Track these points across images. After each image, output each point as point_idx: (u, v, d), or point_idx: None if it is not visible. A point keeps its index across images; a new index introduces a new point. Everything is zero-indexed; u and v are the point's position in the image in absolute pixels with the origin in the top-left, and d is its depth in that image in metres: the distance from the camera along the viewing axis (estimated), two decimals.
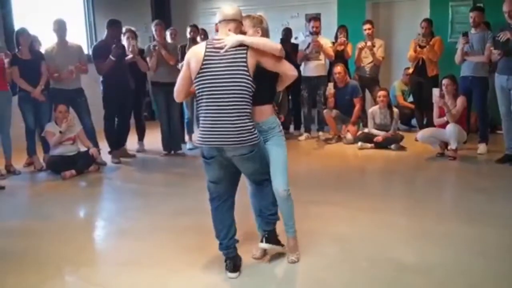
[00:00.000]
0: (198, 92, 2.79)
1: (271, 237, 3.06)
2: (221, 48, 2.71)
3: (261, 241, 3.05)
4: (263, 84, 2.80)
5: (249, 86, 2.71)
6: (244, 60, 2.69)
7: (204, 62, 2.73)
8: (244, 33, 2.84)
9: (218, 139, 2.72)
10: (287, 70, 2.87)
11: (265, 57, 2.74)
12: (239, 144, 2.69)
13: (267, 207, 3.01)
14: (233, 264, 2.92)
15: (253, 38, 2.77)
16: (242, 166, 2.85)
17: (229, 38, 2.73)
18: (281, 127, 2.99)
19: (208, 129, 2.75)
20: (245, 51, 2.70)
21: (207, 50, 2.75)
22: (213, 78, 2.70)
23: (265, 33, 2.91)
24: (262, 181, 2.97)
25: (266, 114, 2.89)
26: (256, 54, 2.71)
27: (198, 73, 2.75)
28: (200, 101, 2.80)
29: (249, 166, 2.85)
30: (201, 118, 2.84)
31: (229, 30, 2.80)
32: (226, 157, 2.78)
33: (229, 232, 2.93)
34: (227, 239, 2.92)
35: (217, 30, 2.91)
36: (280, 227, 3.11)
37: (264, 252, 3.15)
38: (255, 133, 2.76)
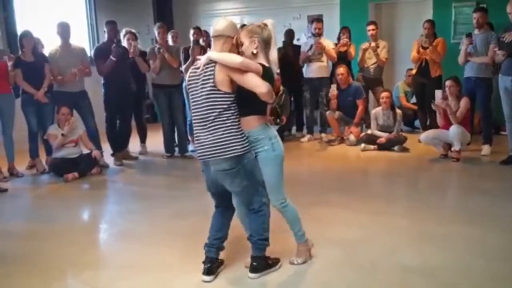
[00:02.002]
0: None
1: (260, 265, 2.92)
2: (198, 67, 2.82)
3: (250, 271, 2.91)
4: (245, 96, 2.76)
5: (220, 100, 2.74)
6: (212, 75, 2.74)
7: (188, 83, 2.89)
8: (241, 44, 2.84)
9: (201, 153, 2.82)
10: (254, 86, 2.71)
11: (232, 72, 2.73)
12: (218, 156, 2.73)
13: (257, 231, 2.91)
14: (208, 266, 2.92)
15: (218, 54, 2.77)
16: (226, 183, 2.81)
17: (203, 57, 2.82)
18: (272, 139, 2.83)
19: (196, 144, 2.87)
20: (213, 67, 2.75)
21: (191, 70, 2.90)
22: (193, 96, 2.85)
23: (262, 44, 2.81)
24: (256, 204, 2.88)
25: (251, 125, 2.81)
26: (225, 68, 2.73)
27: (187, 92, 2.97)
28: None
29: (235, 183, 2.80)
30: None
31: (215, 46, 2.82)
32: (213, 172, 2.84)
33: (217, 233, 2.98)
34: (212, 239, 2.97)
35: None
36: (285, 226, 3.09)
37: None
38: (236, 145, 2.74)
